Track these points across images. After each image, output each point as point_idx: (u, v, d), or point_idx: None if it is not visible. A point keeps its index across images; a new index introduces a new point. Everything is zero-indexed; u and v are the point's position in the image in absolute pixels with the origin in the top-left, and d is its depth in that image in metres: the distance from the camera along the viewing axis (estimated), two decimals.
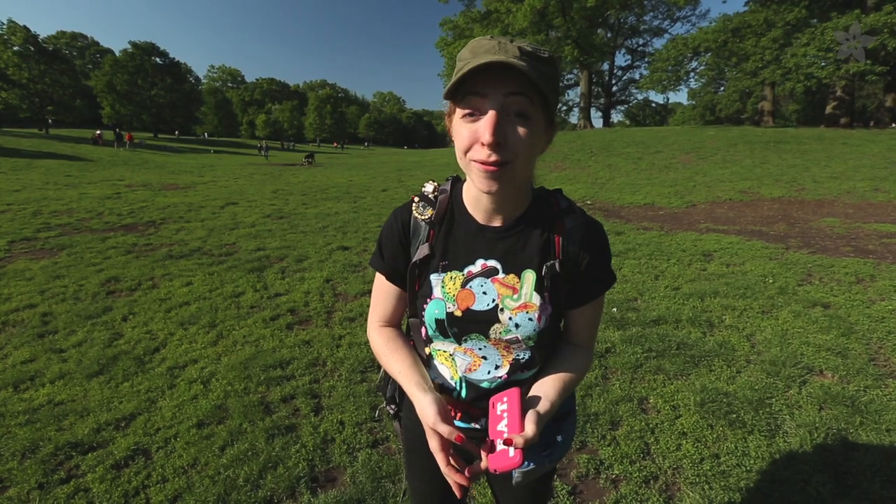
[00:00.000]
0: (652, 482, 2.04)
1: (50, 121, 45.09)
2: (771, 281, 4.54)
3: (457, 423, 0.93)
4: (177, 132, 49.63)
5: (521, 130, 0.70)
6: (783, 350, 3.15)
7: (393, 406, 1.09)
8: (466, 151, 0.72)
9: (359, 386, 2.82)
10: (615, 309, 3.92)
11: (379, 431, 2.41)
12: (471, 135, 0.71)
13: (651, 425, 2.41)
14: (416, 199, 0.91)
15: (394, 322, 0.98)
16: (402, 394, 1.06)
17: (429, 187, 0.92)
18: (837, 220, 7.27)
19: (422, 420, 0.78)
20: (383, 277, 0.94)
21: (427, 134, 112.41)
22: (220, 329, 3.65)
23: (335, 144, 68.94)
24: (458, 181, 0.93)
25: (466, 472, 0.75)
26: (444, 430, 0.73)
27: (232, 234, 7.05)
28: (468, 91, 0.70)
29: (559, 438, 0.94)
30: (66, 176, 14.29)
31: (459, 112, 0.73)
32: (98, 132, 31.54)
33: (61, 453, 2.21)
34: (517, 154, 0.70)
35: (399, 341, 0.94)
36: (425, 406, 0.77)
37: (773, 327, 3.52)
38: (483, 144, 0.69)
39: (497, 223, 0.85)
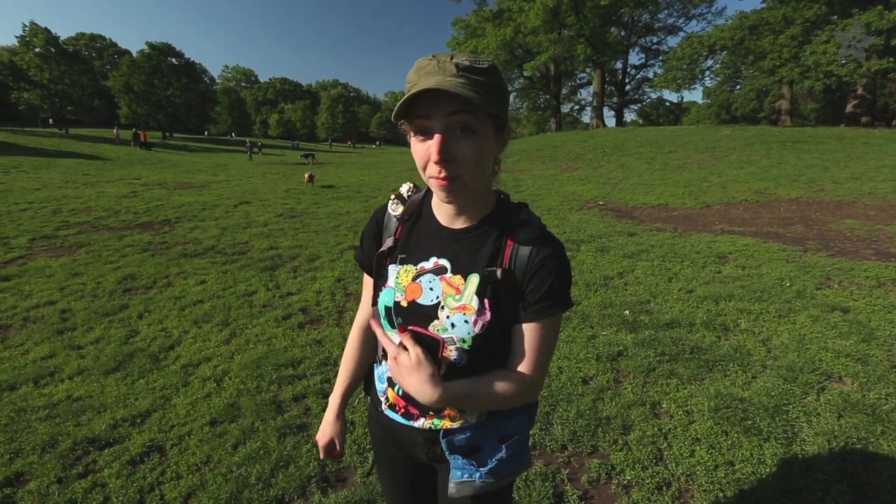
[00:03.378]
0: (665, 489, 2.01)
1: (51, 121, 45.58)
2: (788, 284, 4.46)
3: (399, 419, 0.96)
4: (167, 133, 50.01)
5: (466, 145, 0.74)
6: (800, 355, 3.08)
7: (370, 396, 1.14)
8: (423, 169, 0.78)
9: None
10: (627, 311, 3.88)
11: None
12: (423, 154, 0.76)
13: (664, 431, 2.38)
14: (393, 196, 0.99)
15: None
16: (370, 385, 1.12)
17: (404, 187, 0.99)
18: (857, 223, 7.10)
19: (319, 431, 1.12)
20: (366, 274, 1.04)
21: None
22: (233, 327, 3.69)
23: (349, 143, 69.41)
24: None
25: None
26: (320, 452, 1.12)
27: (245, 232, 7.13)
28: (415, 115, 0.75)
29: (500, 456, 0.92)
30: (84, 175, 14.59)
31: (412, 131, 0.78)
32: (115, 131, 32.12)
33: (79, 448, 2.26)
34: (465, 168, 0.75)
35: (352, 354, 1.11)
36: (323, 427, 1.12)
37: (791, 332, 3.45)
38: (432, 161, 0.74)
39: (456, 225, 0.89)
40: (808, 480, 2.01)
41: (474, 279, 0.85)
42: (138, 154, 24.59)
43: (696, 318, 3.70)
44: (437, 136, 0.73)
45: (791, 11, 21.14)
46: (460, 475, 0.91)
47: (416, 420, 0.94)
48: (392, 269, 0.92)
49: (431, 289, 0.87)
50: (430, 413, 0.92)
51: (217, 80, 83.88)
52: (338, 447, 1.12)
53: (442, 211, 0.90)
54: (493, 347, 0.87)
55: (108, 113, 55.30)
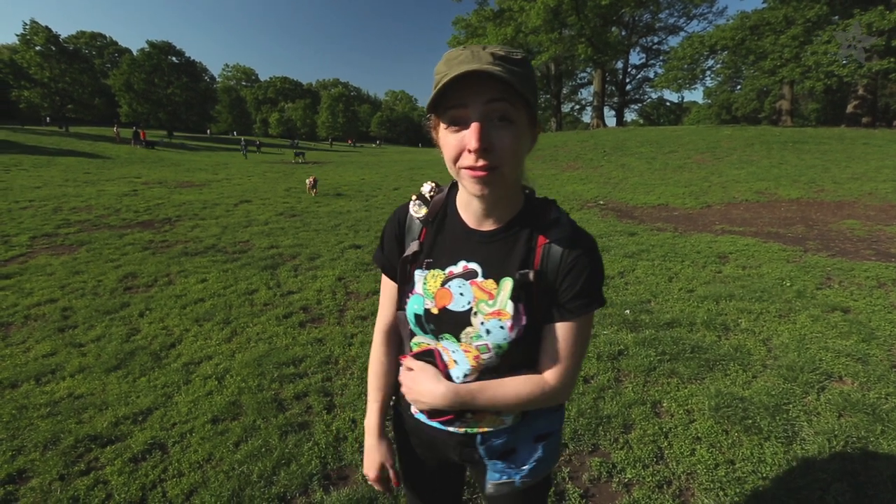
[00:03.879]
0: (665, 487, 2.02)
1: (48, 119, 45.32)
2: (788, 284, 4.46)
3: (432, 423, 0.94)
4: (171, 133, 49.98)
5: (505, 134, 0.71)
6: (801, 355, 3.09)
7: (392, 398, 1.11)
8: (455, 160, 0.74)
9: None
10: (628, 311, 3.89)
11: (391, 430, 2.41)
12: (457, 144, 0.73)
13: (665, 429, 2.39)
14: (414, 197, 0.94)
15: (395, 324, 1.00)
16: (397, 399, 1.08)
17: (426, 187, 0.94)
18: (858, 223, 7.10)
19: (365, 461, 1.04)
20: (385, 275, 0.99)
21: None
22: (235, 326, 3.70)
23: (349, 142, 69.39)
24: (455, 185, 0.94)
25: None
26: (374, 485, 1.04)
27: (245, 231, 7.14)
28: (449, 104, 0.72)
29: (538, 455, 0.93)
30: (84, 173, 14.60)
31: (443, 124, 0.75)
32: (116, 129, 32.09)
33: (81, 446, 2.26)
34: (505, 158, 0.72)
35: (383, 367, 1.02)
36: (368, 454, 1.03)
37: (791, 332, 3.46)
38: (470, 151, 0.71)
39: (485, 227, 0.85)
40: (808, 479, 2.02)
41: (507, 283, 0.82)
42: (139, 152, 24.59)
43: (696, 318, 3.70)
44: (475, 124, 0.69)
45: (792, 11, 21.13)
46: (498, 477, 0.91)
47: (450, 425, 0.92)
48: (419, 275, 0.88)
49: (462, 294, 0.84)
50: (467, 417, 0.89)
51: (217, 79, 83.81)
52: (391, 474, 1.03)
53: (469, 212, 0.86)
54: (527, 351, 0.85)
55: (109, 111, 55.25)
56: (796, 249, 5.78)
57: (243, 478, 2.06)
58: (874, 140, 15.45)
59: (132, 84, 44.74)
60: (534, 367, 0.87)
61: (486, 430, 0.91)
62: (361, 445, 2.28)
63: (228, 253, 5.88)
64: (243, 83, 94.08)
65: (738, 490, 1.97)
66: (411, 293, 0.89)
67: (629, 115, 52.89)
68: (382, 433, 1.02)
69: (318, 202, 10.23)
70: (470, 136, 0.70)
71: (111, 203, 9.19)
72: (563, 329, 0.82)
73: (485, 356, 0.84)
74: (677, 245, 6.09)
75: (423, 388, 0.85)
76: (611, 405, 2.58)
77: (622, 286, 4.56)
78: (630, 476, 2.07)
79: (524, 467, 0.92)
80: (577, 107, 50.47)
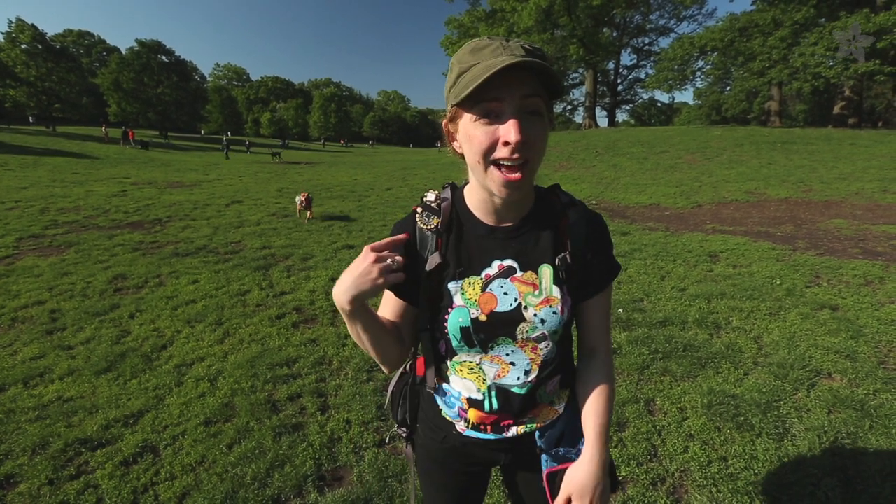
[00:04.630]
0: (659, 484, 2.03)
1: (31, 119, 44.18)
2: (778, 283, 4.52)
3: (486, 436, 0.92)
4: (167, 133, 49.19)
5: (536, 129, 0.71)
6: (791, 352, 3.13)
7: (404, 429, 1.06)
8: (486, 153, 0.72)
9: (365, 385, 2.82)
10: (621, 310, 3.91)
11: (385, 431, 2.41)
12: (489, 137, 0.70)
13: (658, 427, 2.40)
14: (419, 209, 0.88)
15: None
16: (414, 416, 1.04)
17: (430, 196, 0.90)
18: (845, 222, 7.21)
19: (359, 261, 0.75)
20: (390, 294, 0.90)
21: (431, 133, 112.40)
22: (227, 327, 3.66)
23: (342, 142, 69.15)
24: (455, 187, 0.92)
25: None
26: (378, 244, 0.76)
27: (237, 232, 7.08)
28: (483, 97, 0.69)
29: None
30: (72, 173, 14.38)
31: (470, 116, 0.72)
32: (104, 129, 31.66)
33: (71, 449, 2.23)
34: (537, 151, 0.73)
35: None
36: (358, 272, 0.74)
37: (781, 329, 3.50)
38: (506, 144, 0.69)
39: (506, 223, 0.85)
40: (799, 475, 2.04)
41: (547, 270, 0.84)
42: (128, 153, 24.28)
43: (688, 316, 3.74)
44: (512, 120, 0.68)
45: (780, 14, 21.42)
46: (557, 463, 0.91)
47: (507, 430, 0.92)
48: (454, 287, 0.84)
49: (506, 293, 0.83)
50: (527, 417, 0.92)
51: (208, 79, 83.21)
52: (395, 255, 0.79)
53: (487, 211, 0.84)
54: (569, 331, 0.91)
55: (97, 111, 54.57)
56: (786, 248, 5.86)
57: (237, 480, 2.04)
58: (860, 140, 15.71)
59: (121, 83, 44.28)
60: (567, 346, 0.94)
61: (542, 424, 0.93)
62: (356, 446, 2.28)
63: (220, 254, 5.83)
64: (234, 83, 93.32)
65: (730, 486, 1.99)
66: (450, 308, 0.84)
67: (621, 116, 53.23)
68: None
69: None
70: (510, 129, 0.68)
71: (100, 204, 9.07)
72: (596, 301, 0.90)
73: (542, 345, 0.85)
74: (669, 244, 6.14)
75: (596, 482, 0.84)
76: None
77: (615, 285, 4.59)
78: (624, 474, 2.08)
79: (580, 445, 0.92)
80: (569, 107, 50.68)
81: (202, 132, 54.93)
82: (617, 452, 2.20)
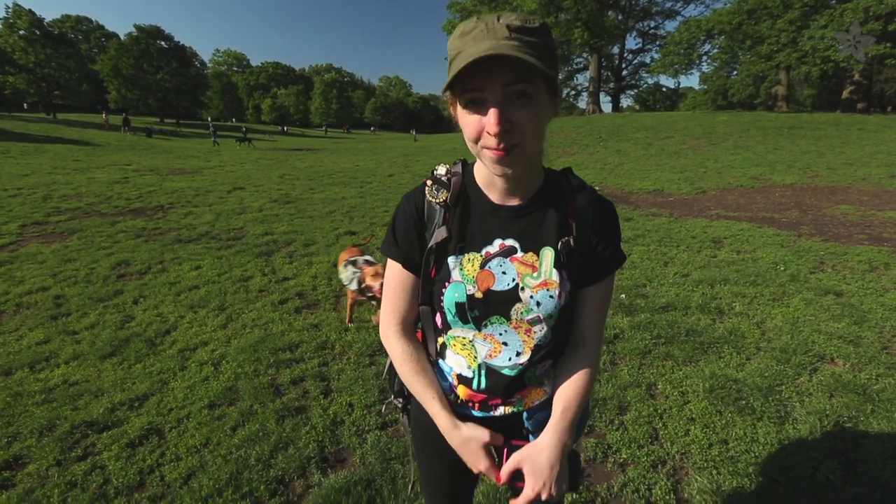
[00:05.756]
0: (660, 466, 2.04)
1: (25, 105, 43.56)
2: (782, 268, 4.49)
3: (475, 412, 0.92)
4: (178, 121, 49.10)
5: (524, 112, 0.70)
6: (794, 338, 3.12)
7: (400, 399, 1.08)
8: (475, 140, 0.73)
9: (367, 369, 2.84)
10: (623, 295, 3.90)
11: (388, 413, 2.43)
12: (475, 125, 0.71)
13: (659, 411, 2.41)
14: (430, 182, 0.88)
15: (412, 318, 0.94)
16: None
17: (441, 170, 0.90)
18: (851, 208, 7.14)
19: (467, 459, 0.87)
20: (399, 266, 0.90)
21: (433, 119, 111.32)
22: (230, 312, 3.68)
23: (344, 128, 68.71)
24: (466, 163, 0.92)
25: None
26: (492, 476, 0.85)
27: (239, 218, 7.07)
28: (465, 87, 0.70)
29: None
30: (74, 160, 14.35)
31: (461, 103, 0.73)
32: (105, 116, 31.48)
33: (77, 432, 2.26)
34: (525, 135, 0.71)
35: (422, 361, 0.92)
36: (465, 448, 0.87)
37: (784, 315, 3.49)
38: (490, 133, 0.69)
39: (512, 202, 0.84)
40: (800, 458, 2.05)
41: (548, 253, 0.83)
42: (129, 139, 24.20)
43: (691, 302, 3.73)
44: (493, 110, 0.68)
45: None
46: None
47: (495, 410, 0.91)
48: (453, 262, 0.85)
49: (504, 272, 0.83)
50: (515, 397, 0.90)
51: (208, 65, 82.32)
52: (494, 454, 0.89)
53: (494, 189, 0.85)
54: (568, 316, 0.89)
55: (97, 97, 54.17)
56: (790, 234, 5.82)
57: (241, 461, 2.06)
58: (869, 125, 15.48)
59: (120, 69, 43.86)
60: (569, 333, 0.92)
61: (531, 405, 0.92)
62: (359, 429, 2.29)
63: (222, 240, 5.83)
64: (235, 69, 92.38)
65: (731, 469, 2.00)
66: (448, 282, 0.84)
67: (625, 101, 52.70)
68: (460, 422, 0.89)
69: (312, 189, 10.13)
70: (489, 120, 0.68)
71: (102, 190, 9.06)
72: (596, 289, 0.87)
73: (536, 328, 0.84)
74: (673, 230, 6.10)
75: (554, 472, 0.82)
76: (606, 387, 2.60)
77: (618, 270, 4.57)
78: (625, 456, 2.09)
79: None
80: (573, 92, 50.00)
81: (209, 119, 54.35)
82: (619, 435, 2.22)
